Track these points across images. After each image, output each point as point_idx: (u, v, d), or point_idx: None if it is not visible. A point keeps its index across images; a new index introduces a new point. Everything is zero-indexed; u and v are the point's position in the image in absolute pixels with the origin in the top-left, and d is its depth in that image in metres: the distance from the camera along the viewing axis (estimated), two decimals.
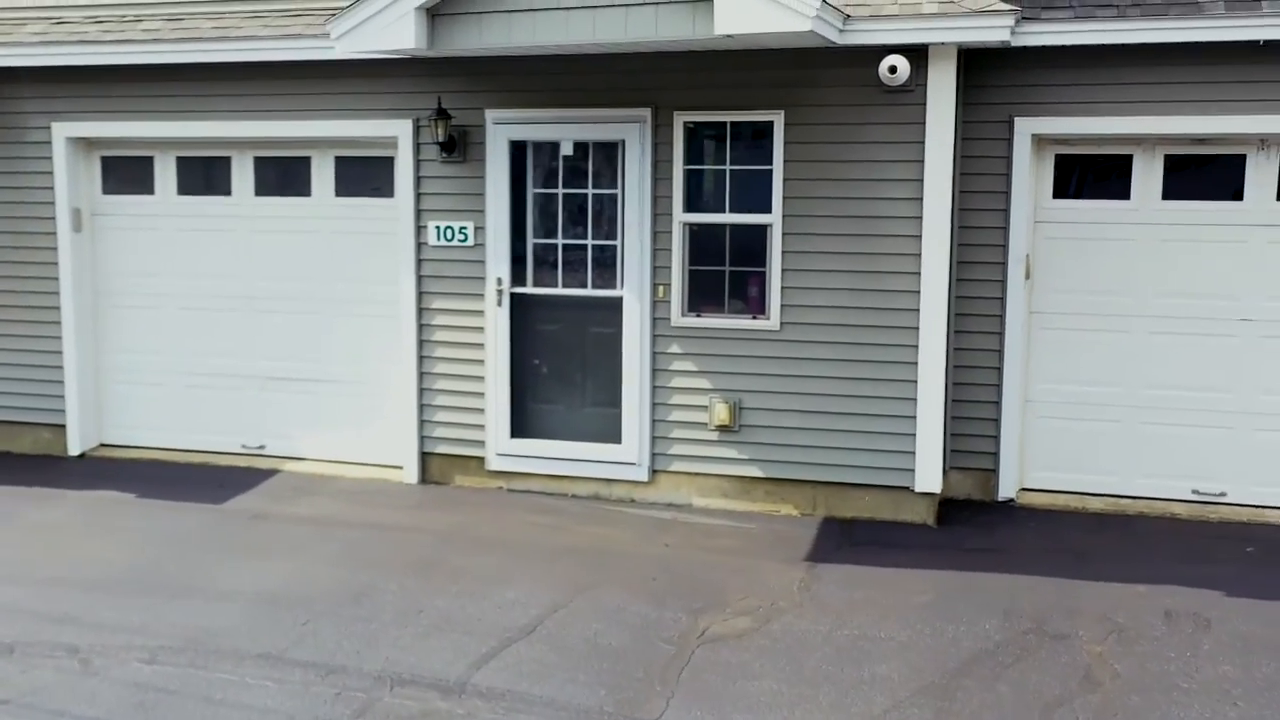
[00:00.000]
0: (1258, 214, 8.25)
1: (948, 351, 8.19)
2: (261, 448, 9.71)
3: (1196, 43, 7.86)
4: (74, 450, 9.92)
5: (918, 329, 8.08)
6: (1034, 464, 8.75)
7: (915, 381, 8.12)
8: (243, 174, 9.50)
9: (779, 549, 7.85)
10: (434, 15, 7.47)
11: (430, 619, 6.73)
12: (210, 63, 8.99)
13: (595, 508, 8.69)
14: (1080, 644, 6.40)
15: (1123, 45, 7.96)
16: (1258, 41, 7.76)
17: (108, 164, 9.82)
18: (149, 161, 9.70)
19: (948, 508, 8.50)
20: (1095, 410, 8.63)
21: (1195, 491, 8.52)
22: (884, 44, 7.73)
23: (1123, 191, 8.47)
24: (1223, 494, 8.47)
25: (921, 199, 7.99)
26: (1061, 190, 8.57)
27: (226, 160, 9.52)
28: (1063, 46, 8.00)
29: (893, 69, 7.61)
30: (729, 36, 6.98)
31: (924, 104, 7.93)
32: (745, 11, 6.82)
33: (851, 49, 7.90)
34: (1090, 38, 7.89)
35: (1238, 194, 8.28)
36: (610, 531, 8.19)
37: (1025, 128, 8.34)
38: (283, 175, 9.45)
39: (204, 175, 9.62)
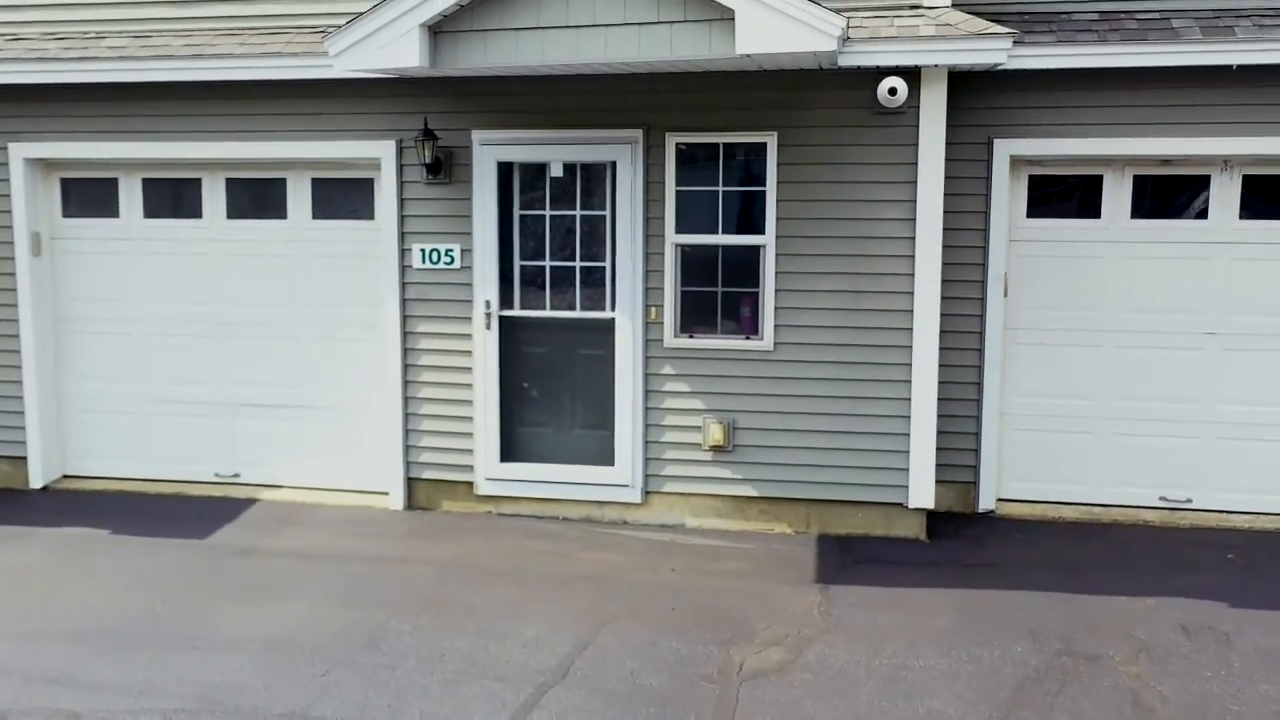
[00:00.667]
0: (1221, 232, 7.83)
1: (938, 369, 7.60)
2: (236, 476, 8.62)
3: (1169, 67, 7.40)
4: (36, 483, 8.67)
5: (910, 347, 7.46)
6: (1010, 475, 8.21)
7: (908, 399, 7.50)
8: (214, 196, 8.38)
9: (785, 571, 7.14)
10: (436, 33, 6.55)
11: (455, 663, 5.84)
12: (182, 81, 7.88)
13: (590, 531, 7.86)
14: (1115, 665, 5.82)
15: (1099, 69, 7.46)
16: (1230, 66, 7.33)
17: (68, 186, 8.59)
18: (113, 183, 8.51)
19: (933, 521, 7.89)
20: (1068, 422, 8.13)
21: (1163, 499, 8.08)
22: (879, 66, 7.07)
23: (1093, 210, 7.98)
24: (1189, 500, 8.05)
25: (914, 219, 7.36)
26: (1034, 209, 8.04)
27: (197, 182, 8.39)
28: (1043, 70, 7.46)
29: (893, 90, 6.96)
30: (747, 56, 6.23)
31: (916, 125, 7.29)
32: (768, 31, 6.08)
33: (845, 71, 7.25)
34: (1073, 61, 7.35)
35: (1202, 213, 7.86)
36: (612, 557, 7.37)
37: (1004, 149, 7.77)
38: (257, 197, 8.37)
39: (173, 198, 8.48)
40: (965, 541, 7.65)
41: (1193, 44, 7.25)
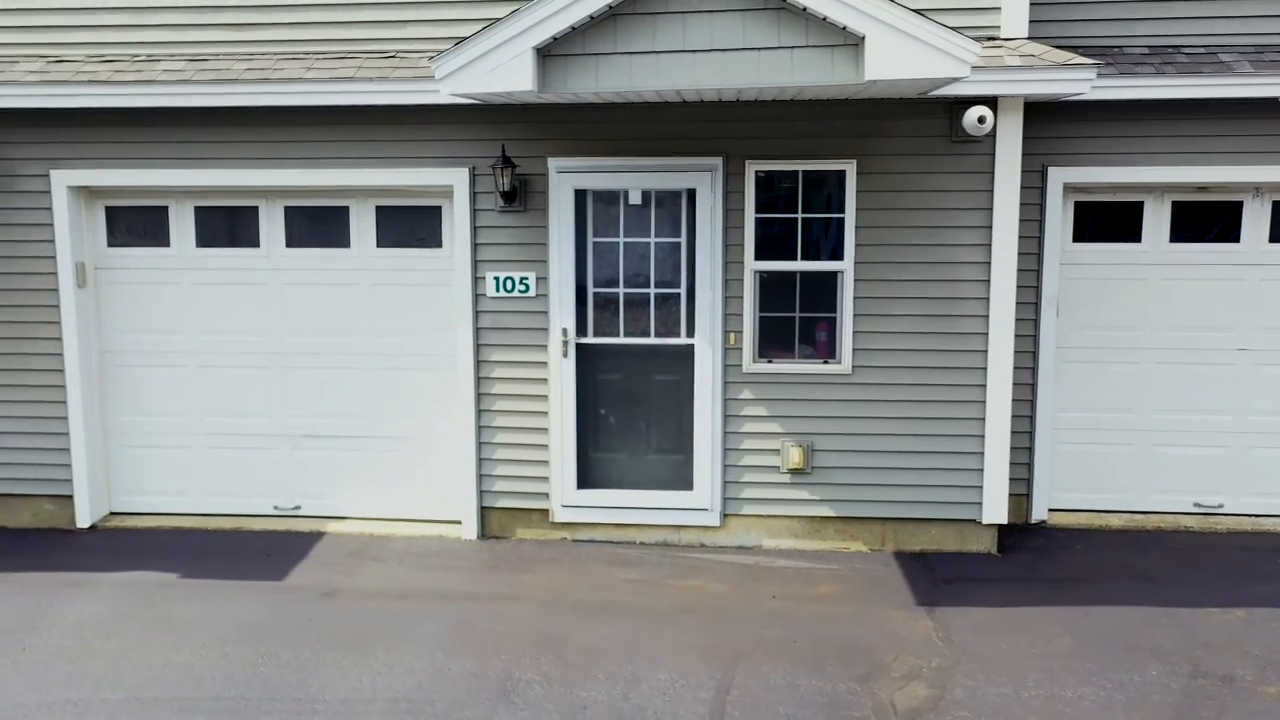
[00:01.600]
0: (1253, 254, 7.27)
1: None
2: (296, 509, 7.38)
3: (1210, 99, 6.81)
4: (83, 522, 7.29)
5: (985, 369, 6.69)
6: (1057, 486, 7.53)
7: (982, 419, 6.73)
8: (272, 224, 7.13)
9: (881, 593, 6.29)
10: (545, 56, 5.51)
11: (599, 717, 4.85)
12: (243, 106, 6.65)
13: (671, 556, 6.89)
14: (1252, 687, 5.13)
15: (1144, 101, 6.83)
16: (1271, 99, 6.78)
17: (114, 214, 7.22)
18: (162, 212, 7.17)
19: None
20: (1110, 434, 7.48)
21: (1197, 504, 7.49)
22: (961, 95, 6.31)
23: (1134, 235, 7.35)
24: (1220, 505, 7.48)
25: (989, 245, 6.60)
26: (1079, 234, 7.38)
27: (253, 210, 7.12)
28: (1096, 101, 6.79)
29: (981, 119, 6.16)
30: (873, 83, 5.36)
31: (992, 154, 6.53)
32: (900, 57, 5.21)
33: (924, 100, 6.45)
34: (1134, 93, 6.69)
35: (1235, 236, 7.29)
36: (705, 584, 6.43)
37: (1058, 177, 7.07)
38: (318, 225, 7.14)
39: (228, 226, 7.19)
40: (1034, 554, 6.92)
41: (1245, 77, 6.66)
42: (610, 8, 5.40)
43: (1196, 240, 7.31)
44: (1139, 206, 7.32)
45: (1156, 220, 7.31)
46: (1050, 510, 7.49)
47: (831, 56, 5.38)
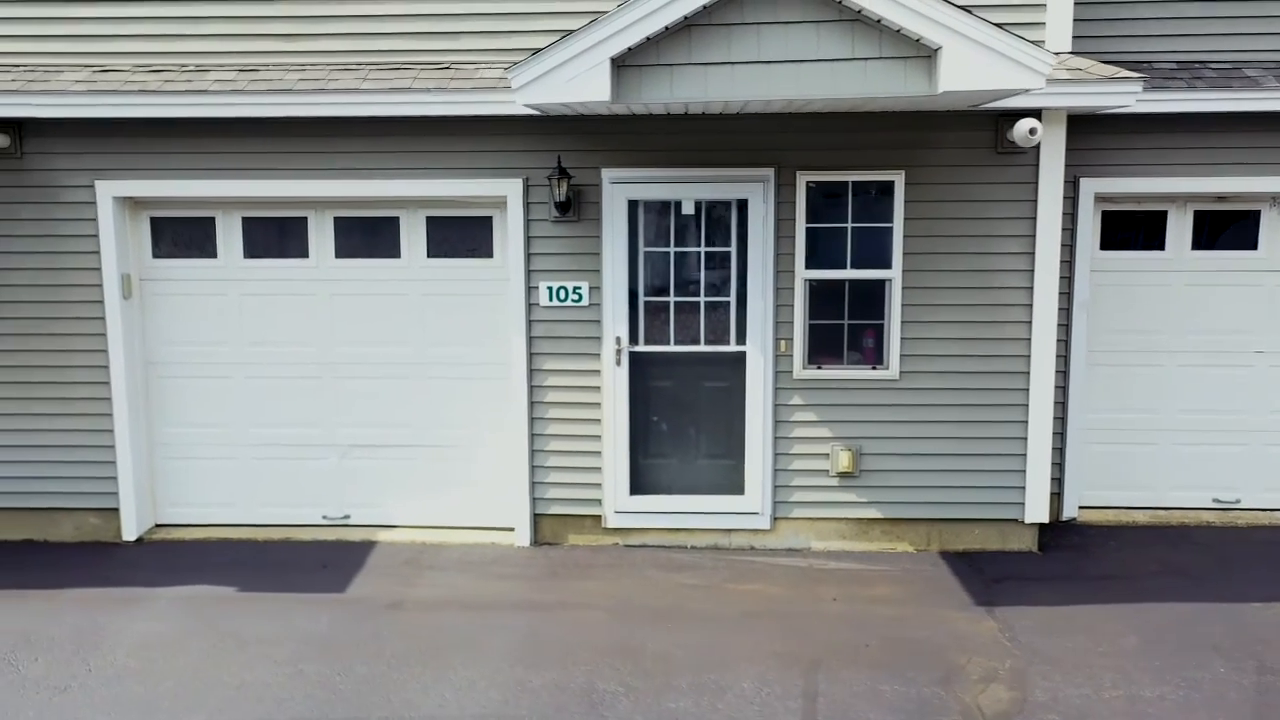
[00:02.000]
0: (1270, 261, 7.16)
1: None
2: (346, 518, 6.98)
3: (1235, 112, 6.68)
4: (129, 535, 6.82)
5: (1028, 373, 6.50)
6: (1085, 484, 7.37)
7: (1025, 421, 6.54)
8: (321, 235, 6.72)
9: (937, 594, 6.06)
10: (619, 66, 5.20)
11: None
12: (295, 117, 6.25)
13: (724, 559, 6.60)
14: None
15: (1170, 114, 6.68)
16: None
17: (159, 225, 6.76)
18: (209, 223, 6.73)
19: None
20: (1135, 434, 7.33)
21: (1215, 500, 7.38)
22: (1007, 108, 6.11)
23: (1157, 243, 7.22)
24: (1238, 500, 7.37)
25: (1033, 253, 6.40)
26: (1105, 242, 7.23)
27: (302, 221, 6.71)
28: (1127, 114, 6.63)
29: (1033, 130, 5.95)
30: (946, 94, 5.12)
31: (1035, 165, 6.34)
32: (975, 69, 4.98)
33: (971, 112, 6.24)
34: (1165, 106, 6.54)
35: (1253, 244, 7.19)
36: (765, 588, 6.15)
37: (1089, 187, 6.91)
38: (368, 236, 6.75)
39: (276, 237, 6.76)
40: (1072, 552, 6.74)
41: (1272, 91, 6.53)
42: (685, 19, 5.10)
43: (1216, 248, 7.21)
44: (1163, 215, 7.20)
45: (1178, 229, 7.17)
46: (1080, 508, 7.33)
47: (904, 68, 5.14)
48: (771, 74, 5.16)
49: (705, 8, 5.09)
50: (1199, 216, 7.18)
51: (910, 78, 5.14)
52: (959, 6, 5.00)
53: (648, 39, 5.11)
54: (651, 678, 5.04)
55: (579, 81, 5.08)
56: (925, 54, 5.13)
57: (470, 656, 5.25)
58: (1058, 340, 7.01)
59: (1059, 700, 4.83)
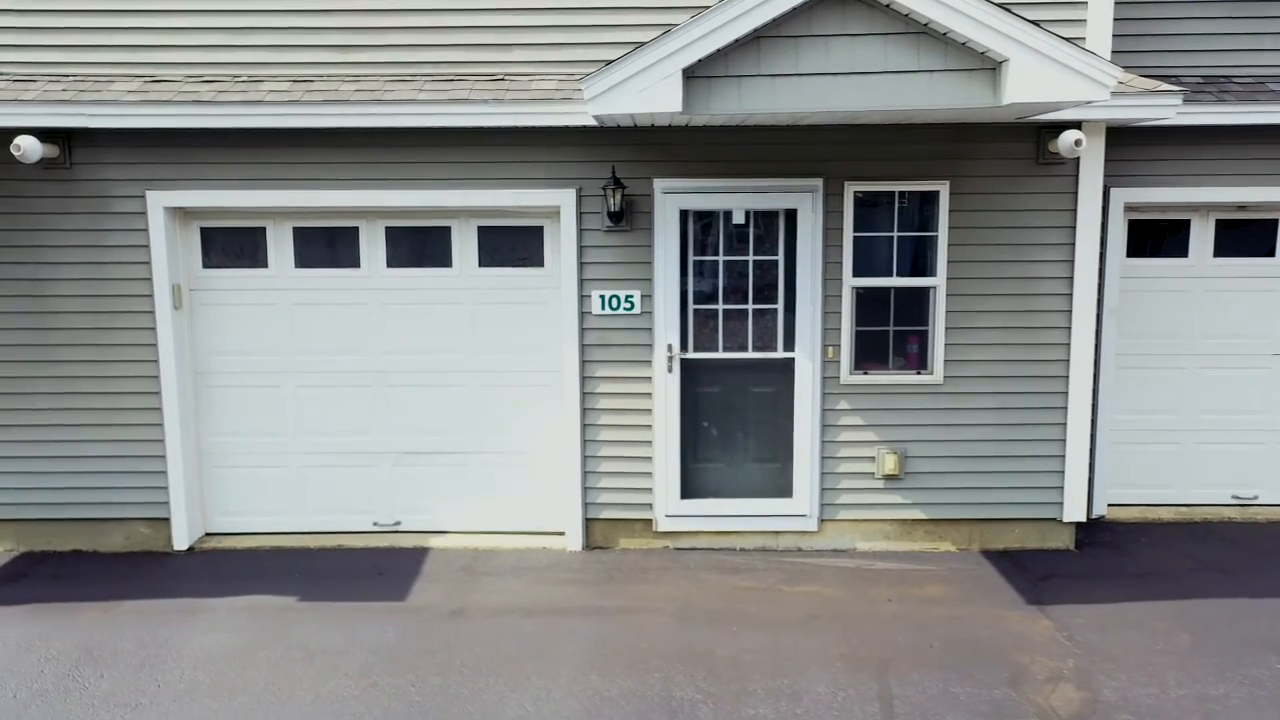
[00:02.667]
0: None
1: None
2: (397, 524, 6.73)
3: (1258, 125, 6.60)
4: (180, 544, 6.53)
5: (1067, 377, 6.40)
6: (1113, 483, 7.29)
7: (1064, 424, 6.43)
8: (373, 245, 6.47)
9: (987, 593, 5.92)
10: (689, 78, 5.00)
11: None
12: (349, 128, 6.00)
13: (774, 561, 6.42)
14: None
15: (1199, 126, 6.60)
16: None
17: (209, 235, 6.47)
18: (260, 233, 6.45)
19: None
20: (1159, 434, 7.25)
21: (1234, 496, 7.32)
22: (1049, 120, 6.00)
23: (1181, 251, 7.15)
24: (1255, 497, 7.31)
25: (1072, 261, 6.30)
26: (1131, 250, 7.15)
27: (353, 231, 6.45)
28: (1159, 126, 6.54)
29: (1078, 142, 5.83)
30: (1010, 105, 4.98)
31: (1075, 175, 6.24)
32: (1041, 81, 4.85)
33: (1013, 124, 6.12)
34: (1196, 119, 6.44)
35: (1271, 251, 7.13)
36: (820, 589, 5.98)
37: (1119, 197, 6.81)
38: (419, 246, 6.49)
39: (327, 247, 6.49)
40: (1108, 549, 6.64)
41: None
42: (755, 32, 4.92)
43: (1237, 255, 7.13)
44: (1186, 224, 7.13)
45: (1201, 237, 7.10)
46: (1108, 505, 7.24)
47: (969, 80, 5.00)
48: (838, 85, 5.00)
49: (774, 20, 4.91)
50: (1220, 225, 7.12)
51: (975, 89, 5.00)
52: (1025, 19, 4.87)
53: (718, 51, 4.94)
54: (725, 683, 4.85)
55: (651, 93, 4.89)
56: (990, 66, 4.99)
57: (542, 664, 5.03)
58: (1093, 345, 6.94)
59: (1129, 700, 4.70)
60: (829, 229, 6.29)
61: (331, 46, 6.17)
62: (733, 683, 4.85)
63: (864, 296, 6.38)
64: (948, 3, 4.82)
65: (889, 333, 6.43)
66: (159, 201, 6.21)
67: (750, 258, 6.41)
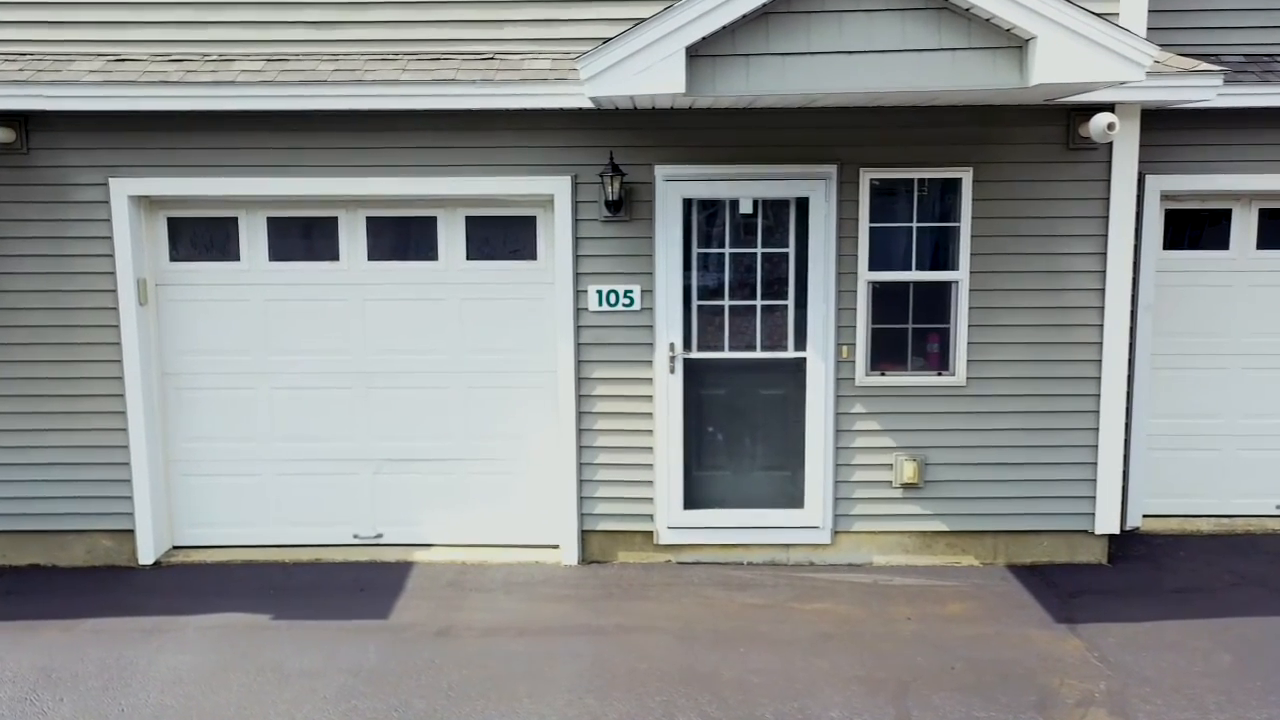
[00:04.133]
0: None
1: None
2: (379, 537, 6.72)
3: None
4: (146, 558, 6.51)
5: (1098, 378, 6.38)
6: (1147, 492, 7.27)
7: (1095, 429, 6.42)
8: (353, 236, 6.46)
9: (1013, 610, 5.91)
10: (692, 57, 4.99)
11: None
12: (328, 110, 5.98)
13: (784, 576, 6.41)
14: None
15: (1242, 109, 6.59)
16: None
17: (176, 226, 6.46)
18: (231, 223, 6.44)
19: None
20: (1197, 440, 7.24)
21: (1278, 506, 7.34)
22: (1080, 102, 5.99)
23: (1221, 243, 7.14)
24: None
25: (1104, 254, 6.29)
26: (1168, 242, 7.14)
27: (332, 221, 6.44)
28: (1198, 109, 6.53)
29: (1111, 126, 5.81)
30: (1038, 86, 4.97)
31: (1108, 161, 6.23)
32: (1072, 60, 4.83)
33: (1041, 106, 6.11)
34: (1239, 100, 6.44)
35: None
36: (834, 607, 5.97)
37: (1155, 185, 6.81)
38: (402, 237, 6.49)
39: (304, 238, 6.49)
40: (1143, 564, 6.63)
41: None
42: (763, 7, 4.91)
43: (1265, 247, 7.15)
44: (1226, 214, 7.12)
45: (1243, 228, 7.09)
46: (1143, 516, 7.23)
47: (994, 59, 4.98)
48: (853, 65, 4.99)
49: None
50: (1263, 215, 7.12)
51: (1000, 69, 4.99)
52: None
53: (724, 27, 4.92)
54: (732, 708, 4.84)
55: (652, 72, 4.87)
56: (1017, 44, 4.98)
57: (535, 687, 5.02)
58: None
59: None
60: (843, 219, 6.28)
61: (308, 23, 6.16)
62: (740, 707, 4.84)
63: (881, 292, 6.37)
64: None
65: (907, 331, 6.42)
66: (123, 189, 6.20)
67: (758, 250, 6.40)
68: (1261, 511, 7.32)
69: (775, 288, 6.43)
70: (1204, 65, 5.90)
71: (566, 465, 6.45)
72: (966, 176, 6.26)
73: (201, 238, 6.50)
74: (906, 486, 6.50)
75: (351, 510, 6.71)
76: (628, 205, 6.24)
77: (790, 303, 6.41)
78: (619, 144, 6.17)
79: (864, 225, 6.28)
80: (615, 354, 6.38)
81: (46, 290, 6.31)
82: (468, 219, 6.45)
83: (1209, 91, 5.87)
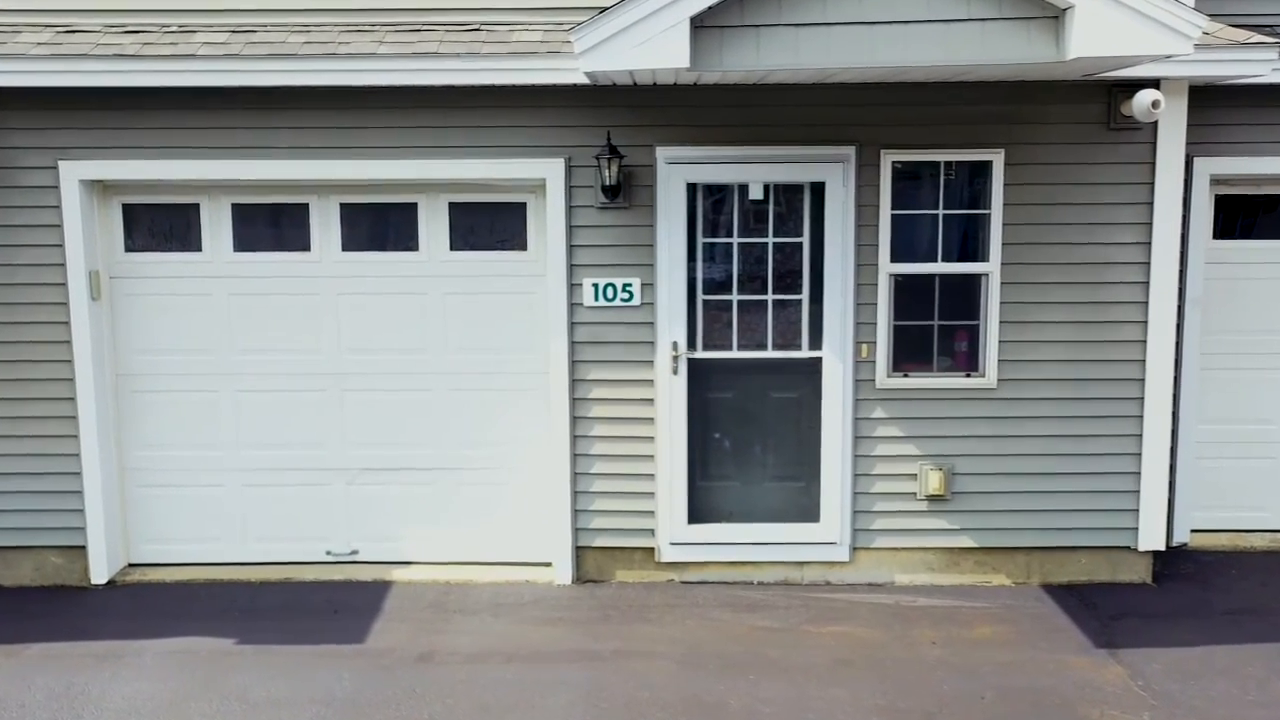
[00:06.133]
0: None
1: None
2: (354, 554, 6.72)
3: None
4: (99, 577, 6.51)
5: (1142, 380, 6.38)
6: (1197, 505, 7.27)
7: (1139, 435, 6.42)
8: (326, 225, 6.46)
9: (1048, 634, 5.91)
10: (697, 28, 4.99)
11: None
12: (302, 87, 5.97)
13: (798, 596, 6.41)
14: None
15: None
16: None
17: (132, 213, 6.47)
18: (192, 210, 6.45)
19: None
20: (1251, 448, 7.23)
21: None
22: (1122, 78, 5.98)
23: (1278, 231, 7.15)
24: None
25: (1149, 243, 6.29)
26: (1218, 231, 7.14)
27: (303, 208, 6.44)
28: (1253, 85, 6.51)
29: (1155, 104, 5.80)
30: (1076, 60, 4.97)
31: (1153, 142, 6.23)
32: (1110, 30, 4.83)
33: (1079, 82, 6.11)
34: None
35: None
36: (852, 630, 5.97)
37: (1204, 168, 6.81)
38: (380, 226, 6.50)
39: (272, 227, 6.49)
40: (1191, 583, 6.64)
41: None
42: None
43: None
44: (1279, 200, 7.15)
45: None
46: (1191, 531, 7.23)
47: (1027, 30, 4.98)
48: (873, 37, 4.99)
49: None
50: None
51: (1034, 42, 4.99)
52: None
53: None
54: None
55: (652, 45, 4.88)
56: (1052, 14, 4.98)
57: (525, 718, 5.01)
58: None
59: None
60: (862, 206, 6.28)
61: None
62: None
63: (904, 285, 6.37)
64: None
65: (933, 328, 6.42)
66: (73, 173, 6.19)
67: (770, 240, 6.40)
68: None
69: (788, 281, 6.44)
70: (1258, 37, 5.89)
71: (560, 475, 6.45)
72: (998, 159, 6.26)
73: (160, 226, 6.50)
74: (932, 498, 6.50)
75: (324, 524, 6.71)
76: (627, 190, 6.23)
77: (805, 297, 6.42)
78: (617, 123, 6.17)
79: (885, 212, 6.28)
80: (613, 353, 6.38)
81: None
82: (451, 206, 6.45)
83: (1264, 66, 5.86)
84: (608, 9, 4.91)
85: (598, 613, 6.18)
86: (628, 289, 6.32)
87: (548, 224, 6.26)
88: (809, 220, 6.36)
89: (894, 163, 6.27)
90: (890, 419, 6.45)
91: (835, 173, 6.26)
